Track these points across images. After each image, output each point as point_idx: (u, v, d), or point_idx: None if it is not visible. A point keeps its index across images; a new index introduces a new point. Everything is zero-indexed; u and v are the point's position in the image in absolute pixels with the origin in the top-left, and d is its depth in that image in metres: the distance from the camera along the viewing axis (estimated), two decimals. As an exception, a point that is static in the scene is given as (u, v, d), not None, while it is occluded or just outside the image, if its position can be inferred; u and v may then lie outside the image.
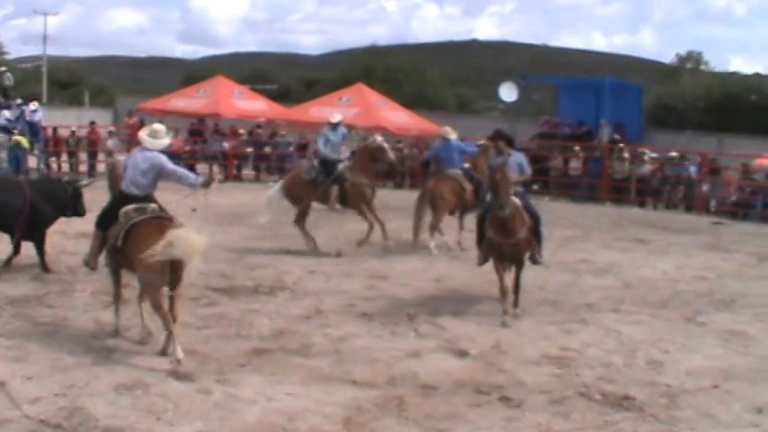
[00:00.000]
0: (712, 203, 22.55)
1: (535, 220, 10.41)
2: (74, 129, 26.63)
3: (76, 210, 12.44)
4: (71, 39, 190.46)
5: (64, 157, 26.43)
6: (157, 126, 9.40)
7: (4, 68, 31.17)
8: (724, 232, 18.49)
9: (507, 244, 10.13)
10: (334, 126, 15.12)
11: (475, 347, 8.98)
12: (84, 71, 72.21)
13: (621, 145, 24.61)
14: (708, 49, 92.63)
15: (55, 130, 26.26)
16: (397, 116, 28.12)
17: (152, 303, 8.32)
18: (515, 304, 10.30)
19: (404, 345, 9.05)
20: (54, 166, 25.33)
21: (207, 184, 9.27)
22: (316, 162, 14.90)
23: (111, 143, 25.88)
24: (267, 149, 27.34)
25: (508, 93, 28.73)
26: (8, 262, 11.87)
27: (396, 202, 17.57)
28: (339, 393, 7.51)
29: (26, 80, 47.90)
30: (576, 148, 24.93)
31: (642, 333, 9.76)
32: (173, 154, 25.72)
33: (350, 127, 17.88)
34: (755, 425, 7.17)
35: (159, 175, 8.96)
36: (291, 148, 27.50)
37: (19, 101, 23.67)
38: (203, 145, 27.29)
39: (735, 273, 13.74)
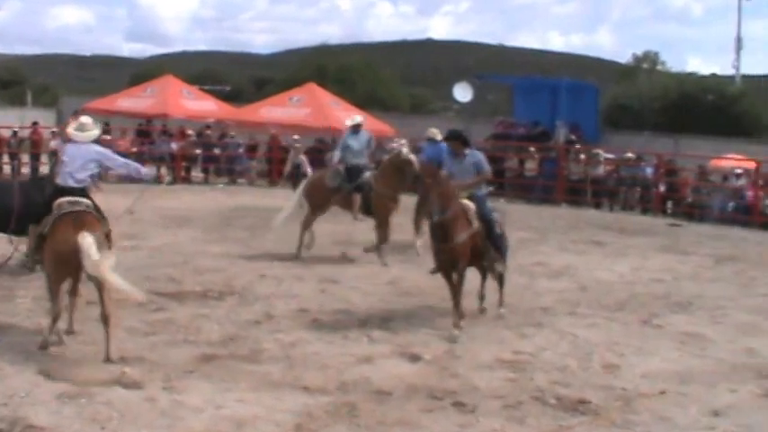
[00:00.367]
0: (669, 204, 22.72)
1: (488, 226, 10.06)
2: (16, 129, 26.16)
3: None
4: (13, 36, 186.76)
5: (6, 158, 25.96)
6: (84, 119, 9.53)
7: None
8: (681, 234, 18.58)
9: (442, 249, 9.75)
10: (355, 129, 14.41)
11: (428, 352, 8.88)
12: (27, 70, 70.48)
13: (578, 146, 24.68)
14: (665, 50, 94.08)
15: (-4, 130, 25.74)
16: (349, 116, 27.93)
17: (47, 291, 8.61)
18: (459, 317, 9.68)
19: (356, 350, 8.93)
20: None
21: (156, 179, 9.41)
22: (341, 168, 14.15)
23: (54, 144, 25.33)
24: (216, 151, 27.10)
25: (463, 93, 28.77)
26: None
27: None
28: (290, 400, 7.38)
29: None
30: (532, 149, 24.97)
31: (598, 336, 9.71)
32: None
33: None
34: (712, 428, 7.12)
35: (101, 165, 9.17)
36: (241, 150, 27.31)
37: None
38: (151, 146, 26.97)
39: (691, 275, 13.79)
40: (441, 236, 9.65)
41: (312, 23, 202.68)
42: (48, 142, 25.60)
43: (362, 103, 32.40)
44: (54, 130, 27.04)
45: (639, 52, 57.11)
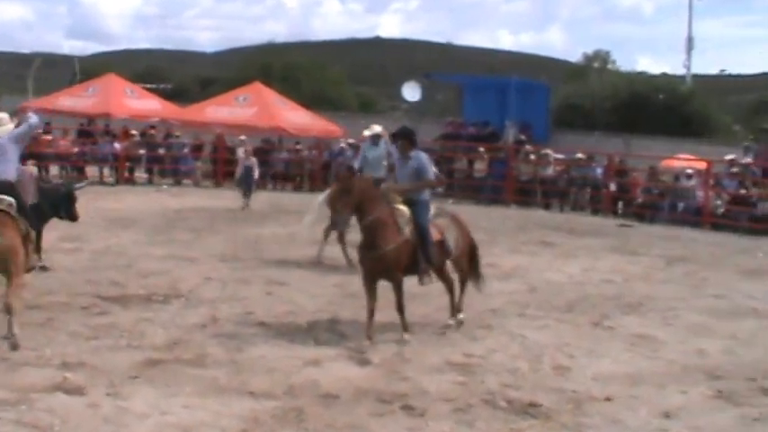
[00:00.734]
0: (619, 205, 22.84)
1: (422, 233, 9.46)
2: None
3: (70, 212, 12.41)
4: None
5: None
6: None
7: None
8: (631, 235, 18.71)
9: (368, 257, 9.36)
10: (374, 141, 13.92)
11: (377, 355, 8.78)
12: (-36, 68, 69.78)
13: (527, 146, 24.75)
14: (616, 49, 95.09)
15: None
16: (296, 116, 27.92)
17: None
18: (404, 328, 9.46)
19: (303, 353, 8.80)
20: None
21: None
22: None
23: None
24: (161, 151, 26.87)
25: (412, 92, 28.80)
26: None
27: (294, 206, 17.26)
28: (236, 405, 7.26)
29: None
30: (481, 149, 25.03)
31: (548, 338, 9.69)
32: (60, 156, 25.24)
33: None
34: (663, 430, 7.11)
35: (17, 146, 9.20)
36: (186, 150, 27.10)
37: None
38: (93, 146, 26.59)
39: (642, 276, 13.87)
40: (366, 242, 9.31)
41: (258, 21, 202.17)
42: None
43: (309, 103, 32.34)
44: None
45: (590, 51, 57.77)
